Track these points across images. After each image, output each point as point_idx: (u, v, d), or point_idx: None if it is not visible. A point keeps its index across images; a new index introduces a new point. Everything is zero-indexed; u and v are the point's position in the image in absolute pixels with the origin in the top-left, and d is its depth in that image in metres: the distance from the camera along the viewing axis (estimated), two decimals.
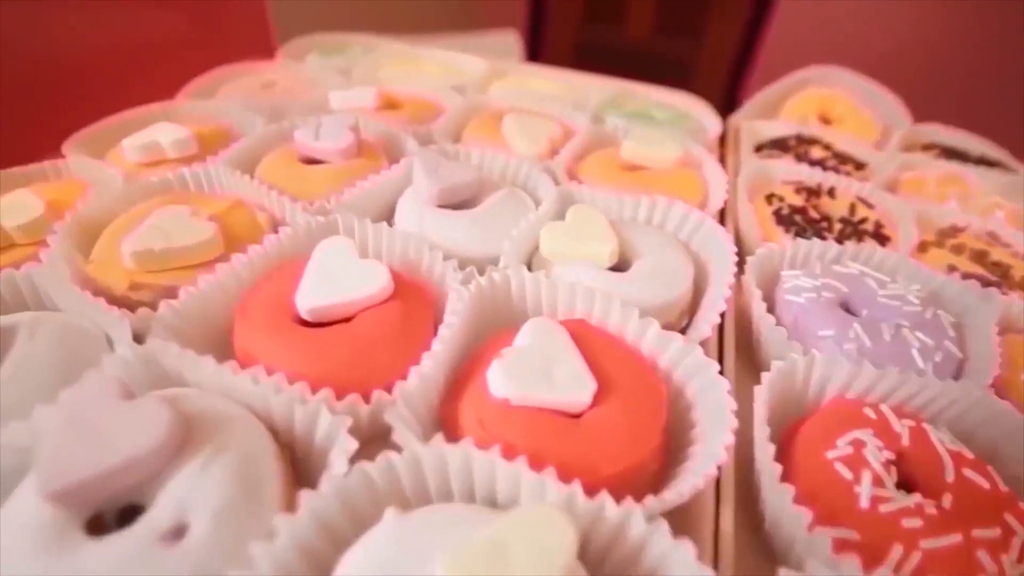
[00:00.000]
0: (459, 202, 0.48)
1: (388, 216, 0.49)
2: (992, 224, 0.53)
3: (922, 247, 0.50)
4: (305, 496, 0.25)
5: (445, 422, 0.33)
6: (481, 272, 0.39)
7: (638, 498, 0.26)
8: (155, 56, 0.82)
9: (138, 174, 0.50)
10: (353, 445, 0.28)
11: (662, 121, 0.68)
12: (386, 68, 0.77)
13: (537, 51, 2.19)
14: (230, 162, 0.49)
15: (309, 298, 0.35)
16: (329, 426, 0.29)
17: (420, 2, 1.20)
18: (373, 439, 0.32)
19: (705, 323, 0.38)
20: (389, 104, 0.64)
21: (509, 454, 0.27)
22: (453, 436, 0.31)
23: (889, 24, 1.53)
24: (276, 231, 0.42)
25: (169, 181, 0.48)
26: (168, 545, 0.24)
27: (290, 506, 0.27)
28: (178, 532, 0.25)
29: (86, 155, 0.51)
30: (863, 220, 0.51)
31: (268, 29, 0.99)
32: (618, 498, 0.25)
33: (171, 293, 0.37)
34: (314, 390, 0.30)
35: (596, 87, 0.76)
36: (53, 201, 0.44)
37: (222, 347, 0.36)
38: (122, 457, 0.25)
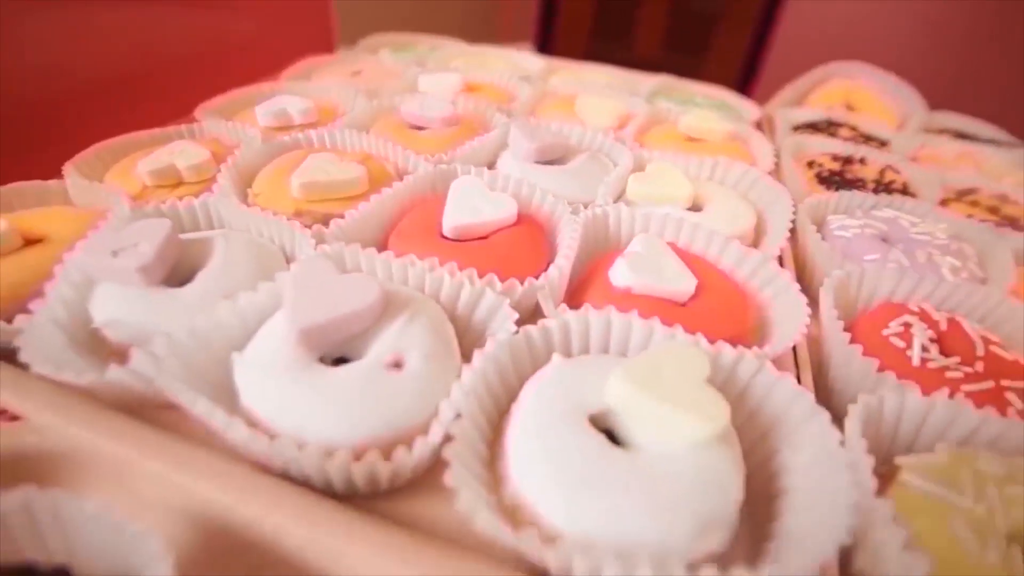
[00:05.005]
0: (549, 161, 0.56)
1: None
2: (1003, 188, 0.61)
3: (943, 203, 0.58)
4: (483, 352, 0.32)
5: None
6: (577, 213, 0.47)
7: None
8: (229, 53, 0.92)
9: (270, 137, 0.58)
10: (514, 315, 0.36)
11: (707, 107, 0.77)
12: (456, 61, 0.86)
13: None
14: (347, 127, 0.58)
15: (455, 218, 0.43)
16: (492, 301, 0.37)
17: (435, 19, 1.30)
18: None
19: (774, 244, 0.46)
20: (469, 89, 0.73)
21: None
22: None
23: (889, 38, 1.64)
24: (401, 179, 0.50)
25: (299, 140, 0.56)
26: (392, 372, 0.32)
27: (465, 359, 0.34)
28: (396, 365, 0.32)
29: (219, 119, 0.60)
30: (892, 182, 0.60)
31: (331, 31, 1.09)
32: None
33: (324, 220, 0.45)
34: None
35: (642, 80, 0.85)
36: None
37: None
38: (351, 308, 0.33)
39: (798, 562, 0.24)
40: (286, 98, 0.61)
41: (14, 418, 0.32)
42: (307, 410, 0.29)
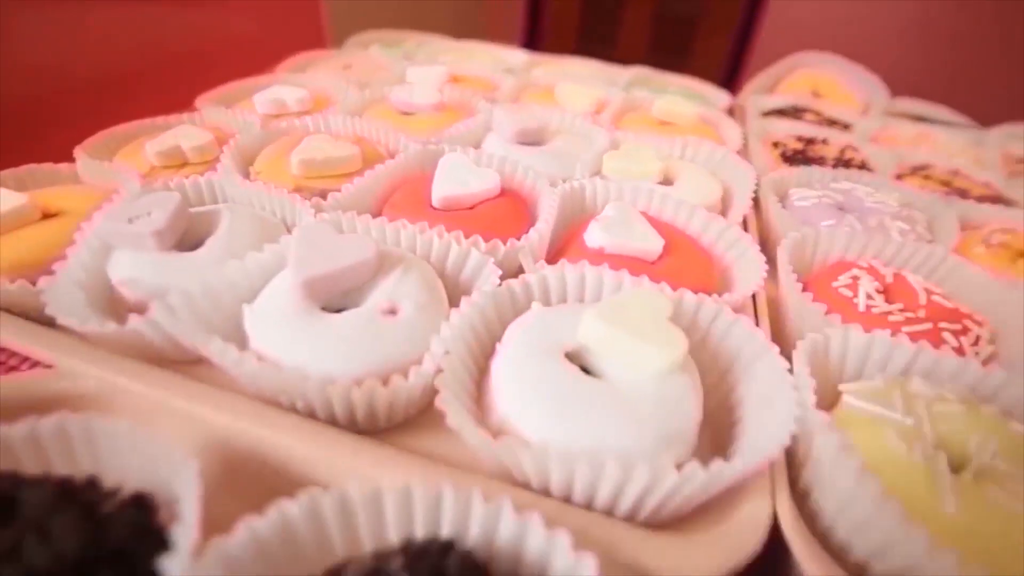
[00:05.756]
0: (530, 142, 0.59)
1: None
2: (956, 164, 0.65)
3: (898, 177, 0.63)
4: (469, 300, 0.36)
5: None
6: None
7: None
8: (223, 51, 0.95)
9: (267, 124, 0.61)
10: (498, 272, 0.39)
11: (679, 94, 0.81)
12: (443, 56, 0.89)
13: None
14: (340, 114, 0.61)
15: (443, 189, 0.47)
16: (477, 260, 0.40)
17: (423, 25, 1.34)
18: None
19: (738, 212, 0.50)
20: (455, 80, 0.77)
21: None
22: None
23: (866, 37, 1.70)
24: (392, 158, 0.53)
25: (296, 126, 0.59)
26: (387, 318, 0.35)
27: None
28: (391, 312, 0.36)
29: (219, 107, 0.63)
30: (851, 159, 0.64)
31: (321, 29, 1.12)
32: None
33: (322, 195, 0.48)
34: None
35: (620, 72, 0.89)
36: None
37: None
38: (350, 261, 0.36)
39: (746, 459, 0.27)
40: (282, 88, 0.64)
41: (47, 367, 0.35)
42: (310, 350, 0.32)
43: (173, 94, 0.71)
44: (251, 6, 0.97)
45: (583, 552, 0.23)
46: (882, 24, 1.71)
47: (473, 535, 0.25)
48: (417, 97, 0.63)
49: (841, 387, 0.34)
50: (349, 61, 0.84)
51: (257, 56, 0.87)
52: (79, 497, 0.25)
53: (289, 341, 0.33)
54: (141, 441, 0.27)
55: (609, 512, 0.29)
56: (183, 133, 0.53)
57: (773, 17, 2.03)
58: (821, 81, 0.88)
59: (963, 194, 0.59)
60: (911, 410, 0.32)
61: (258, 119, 0.60)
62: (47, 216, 0.44)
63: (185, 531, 0.22)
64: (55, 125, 0.70)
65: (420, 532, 0.25)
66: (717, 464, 0.26)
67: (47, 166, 0.51)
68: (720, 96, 0.84)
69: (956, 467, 0.30)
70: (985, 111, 0.90)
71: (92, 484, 0.26)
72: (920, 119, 0.81)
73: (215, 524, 0.23)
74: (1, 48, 0.65)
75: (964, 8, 1.47)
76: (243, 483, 0.31)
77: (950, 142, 0.73)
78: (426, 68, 0.75)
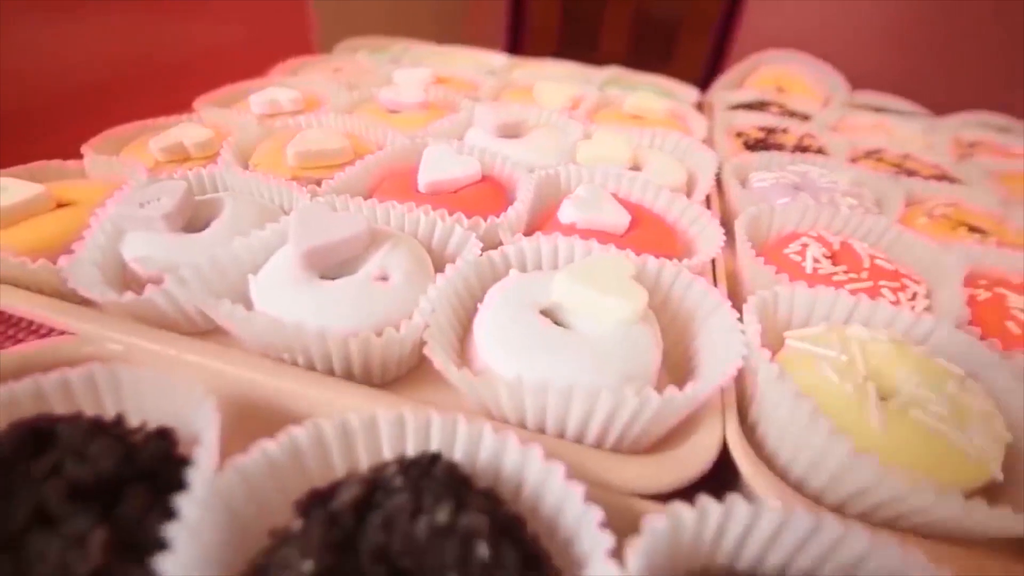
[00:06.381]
0: (510, 135, 0.64)
1: None
2: (907, 149, 0.70)
3: (852, 160, 0.67)
4: (453, 266, 0.40)
5: None
6: None
7: None
8: (218, 57, 0.99)
9: (263, 123, 0.65)
10: (480, 244, 0.43)
11: (650, 91, 0.85)
12: (428, 59, 0.94)
13: None
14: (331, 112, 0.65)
15: (428, 175, 0.51)
16: (461, 235, 0.44)
17: (408, 32, 1.38)
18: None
19: (700, 192, 0.54)
20: (439, 81, 0.81)
21: None
22: None
23: (842, 38, 1.77)
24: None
25: (290, 124, 0.63)
26: (379, 284, 0.39)
27: None
28: (383, 279, 0.40)
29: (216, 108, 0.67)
30: (808, 146, 0.69)
31: (309, 38, 1.17)
32: None
33: (317, 184, 0.52)
34: None
35: (595, 72, 0.93)
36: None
37: None
38: (344, 234, 0.40)
39: (697, 388, 0.31)
40: (276, 89, 0.68)
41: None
42: (310, 310, 0.36)
43: (167, 99, 0.74)
44: (242, 15, 1.01)
45: (553, 461, 0.27)
46: (854, 25, 1.78)
47: (459, 454, 0.29)
48: (404, 96, 0.67)
49: (786, 334, 0.38)
50: (339, 65, 0.88)
51: (249, 62, 0.91)
52: (109, 430, 0.29)
53: (291, 303, 0.36)
54: (162, 384, 0.31)
55: (579, 441, 0.33)
56: (185, 130, 0.57)
57: (750, 20, 2.10)
58: (785, 76, 0.94)
59: (911, 174, 0.64)
60: (846, 349, 0.36)
61: (254, 118, 0.64)
62: (60, 206, 0.47)
63: (206, 452, 0.26)
64: (53, 129, 0.73)
65: (412, 452, 0.29)
66: (671, 390, 0.30)
67: (56, 163, 0.55)
68: (690, 92, 0.89)
69: (885, 396, 0.34)
70: (952, 103, 0.96)
71: (120, 420, 0.30)
72: (878, 110, 0.86)
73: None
74: (3, 56, 0.69)
75: (928, 10, 1.54)
76: (252, 427, 0.34)
77: (904, 130, 0.78)
78: (412, 70, 0.79)
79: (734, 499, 0.25)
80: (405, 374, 0.40)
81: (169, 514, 0.23)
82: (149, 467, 0.28)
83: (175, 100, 0.73)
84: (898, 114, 0.84)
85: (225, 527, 0.24)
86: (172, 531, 0.22)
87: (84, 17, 0.78)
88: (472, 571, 0.22)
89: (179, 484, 0.25)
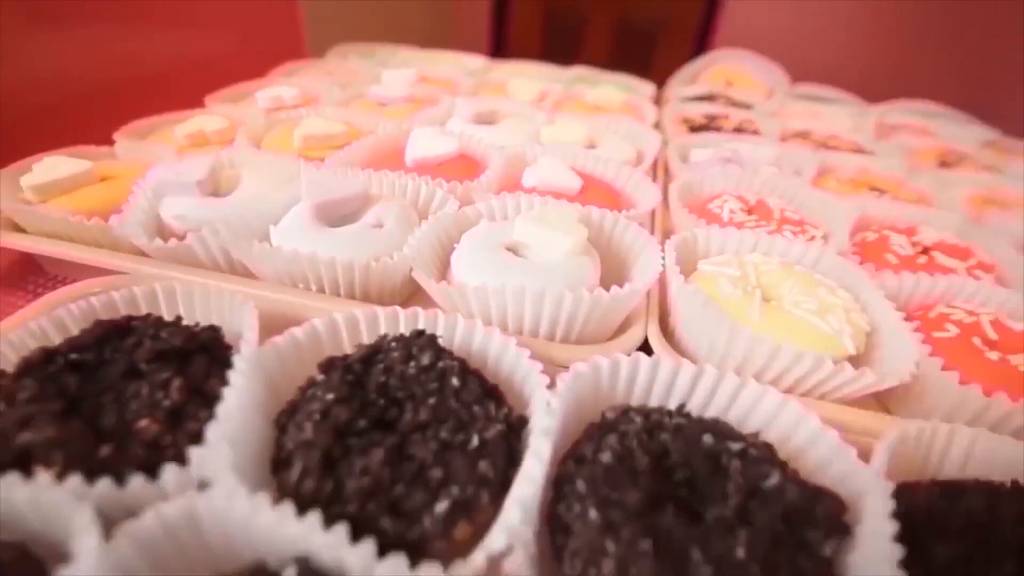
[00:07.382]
0: (485, 123, 0.74)
1: None
2: (834, 131, 0.81)
3: (782, 140, 0.78)
4: (435, 215, 0.49)
5: None
6: None
7: None
8: (216, 63, 1.08)
9: (270, 115, 0.74)
10: (457, 203, 0.53)
11: (611, 86, 0.96)
12: (413, 62, 1.04)
13: None
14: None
15: (414, 151, 0.60)
16: (441, 196, 0.54)
17: (398, 33, 1.47)
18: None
19: (645, 164, 0.64)
20: (423, 80, 0.91)
21: None
22: None
23: (816, 43, 1.90)
24: None
25: (292, 116, 0.73)
26: (375, 230, 0.49)
27: None
28: (379, 226, 0.49)
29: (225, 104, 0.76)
30: (745, 129, 0.79)
31: (300, 45, 1.26)
32: None
33: (321, 162, 0.61)
34: None
35: (563, 71, 1.04)
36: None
37: None
38: (347, 193, 0.49)
39: (624, 290, 0.41)
40: (279, 87, 0.78)
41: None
42: (321, 248, 0.45)
43: (175, 100, 0.83)
44: (234, 25, 1.10)
45: (523, 348, 0.36)
46: (826, 31, 1.91)
47: (456, 344, 0.38)
48: (391, 91, 0.77)
49: (700, 263, 0.48)
50: (331, 68, 0.98)
51: (242, 70, 1.00)
52: (172, 324, 0.38)
53: (305, 244, 0.46)
54: (210, 293, 0.40)
55: (534, 336, 0.42)
56: (204, 119, 0.67)
57: (729, 29, 2.22)
58: (734, 72, 1.05)
59: (832, 150, 0.74)
60: (741, 268, 0.46)
61: (261, 112, 0.73)
62: (103, 180, 0.57)
63: (250, 334, 0.35)
64: (74, 127, 0.82)
65: None
66: (599, 291, 0.40)
67: (91, 148, 0.64)
68: (647, 87, 1.00)
69: (769, 299, 0.44)
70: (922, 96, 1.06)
71: (179, 319, 0.39)
72: (815, 99, 0.97)
73: None
74: (21, 60, 0.77)
75: (891, 13, 1.69)
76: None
77: (834, 115, 0.89)
78: (398, 71, 0.89)
79: (640, 354, 0.34)
80: (399, 303, 0.49)
81: (224, 379, 0.32)
82: (207, 344, 0.37)
83: (175, 105, 0.81)
84: (831, 102, 0.95)
85: (264, 384, 0.33)
86: (230, 377, 0.31)
87: (95, 33, 0.86)
88: (446, 395, 0.32)
89: (228, 362, 0.34)
